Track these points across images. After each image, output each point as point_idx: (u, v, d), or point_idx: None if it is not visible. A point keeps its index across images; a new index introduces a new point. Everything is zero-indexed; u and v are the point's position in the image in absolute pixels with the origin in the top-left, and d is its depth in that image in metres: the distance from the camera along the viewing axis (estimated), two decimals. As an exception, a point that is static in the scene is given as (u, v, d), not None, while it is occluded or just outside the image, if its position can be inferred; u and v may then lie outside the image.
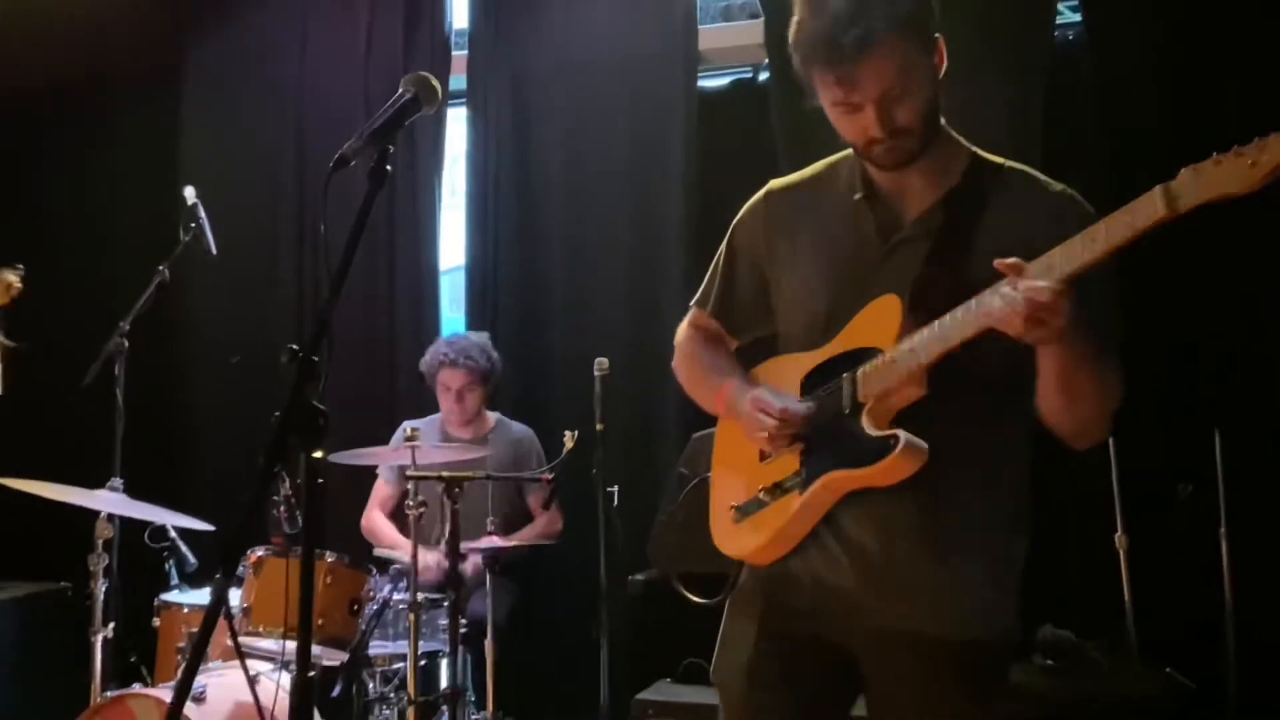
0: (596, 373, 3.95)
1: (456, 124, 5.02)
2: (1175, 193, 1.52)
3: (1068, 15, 4.14)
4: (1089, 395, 1.73)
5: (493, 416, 4.33)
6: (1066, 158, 1.91)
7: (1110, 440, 3.27)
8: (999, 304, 1.63)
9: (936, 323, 1.71)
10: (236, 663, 3.41)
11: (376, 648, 3.71)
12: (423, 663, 3.73)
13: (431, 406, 4.39)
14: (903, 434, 1.76)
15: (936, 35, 1.82)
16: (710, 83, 4.64)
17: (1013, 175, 1.88)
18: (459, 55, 4.99)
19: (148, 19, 5.28)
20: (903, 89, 1.75)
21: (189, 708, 3.28)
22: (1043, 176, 1.88)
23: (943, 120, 1.87)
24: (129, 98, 5.39)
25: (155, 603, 3.94)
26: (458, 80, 4.82)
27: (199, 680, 3.42)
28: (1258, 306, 3.57)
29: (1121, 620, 3.45)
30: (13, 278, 2.21)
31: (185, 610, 3.83)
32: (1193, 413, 3.58)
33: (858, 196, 1.90)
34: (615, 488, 3.96)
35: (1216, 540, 3.35)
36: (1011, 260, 1.61)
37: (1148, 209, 1.55)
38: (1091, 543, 3.65)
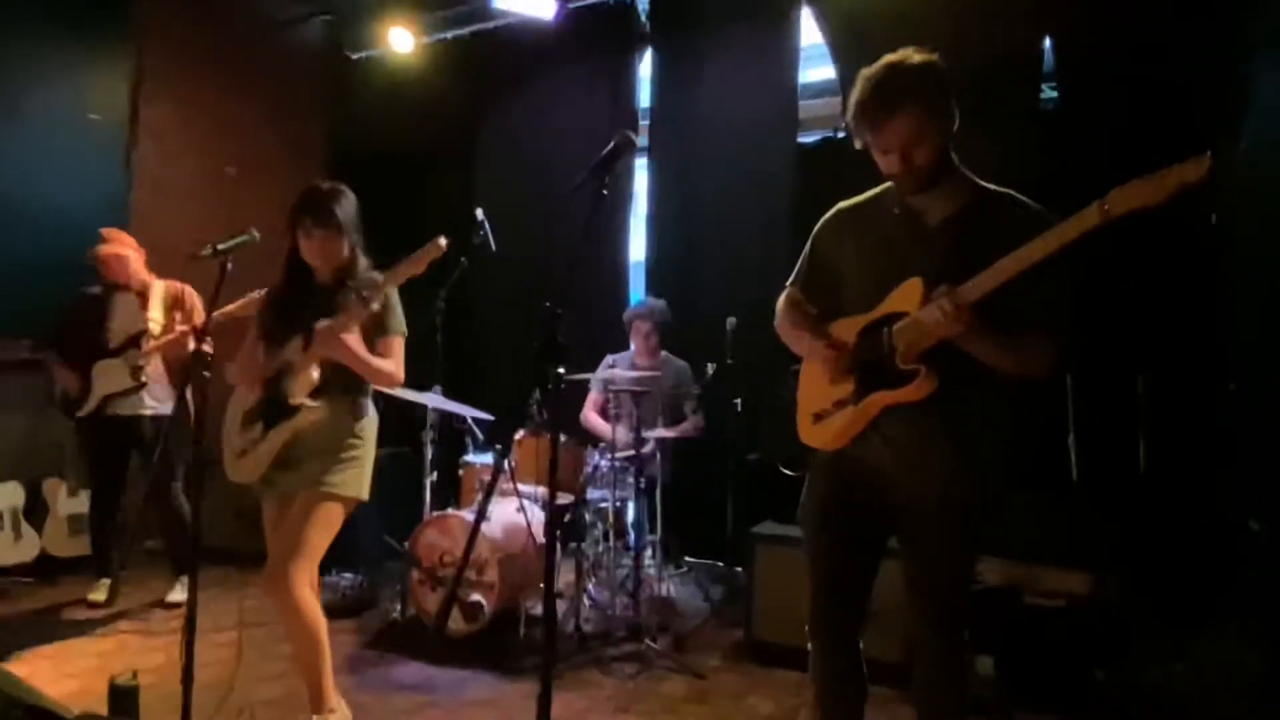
0: (728, 327, 4.00)
1: (640, 171, 5.03)
2: (1108, 205, 1.53)
3: (1048, 93, 3.97)
4: (1004, 362, 1.76)
5: (664, 353, 4.34)
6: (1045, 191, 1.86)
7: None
8: (933, 315, 1.71)
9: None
10: (510, 499, 3.64)
11: (591, 493, 3.78)
12: (617, 504, 3.81)
13: (624, 345, 4.42)
14: (924, 367, 1.78)
15: (950, 103, 1.79)
16: (806, 139, 4.55)
17: (1004, 198, 1.84)
18: (643, 124, 4.99)
19: (455, 103, 5.43)
20: (917, 141, 1.75)
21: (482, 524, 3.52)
22: (1025, 199, 1.83)
23: (955, 159, 1.85)
24: (442, 152, 5.49)
25: (459, 461, 4.11)
26: (642, 139, 4.82)
27: (490, 508, 3.66)
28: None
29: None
30: (442, 242, 2.26)
31: (477, 466, 3.98)
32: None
33: (895, 211, 1.90)
34: (739, 401, 4.02)
35: None
36: (944, 287, 1.71)
37: (1088, 217, 1.57)
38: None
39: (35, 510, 4.12)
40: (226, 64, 5.14)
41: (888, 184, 1.93)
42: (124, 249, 3.85)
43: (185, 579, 3.79)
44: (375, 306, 2.29)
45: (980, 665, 2.89)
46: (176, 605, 3.76)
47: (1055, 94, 3.96)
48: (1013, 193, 1.85)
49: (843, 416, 1.92)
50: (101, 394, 3.76)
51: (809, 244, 2.09)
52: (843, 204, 2.04)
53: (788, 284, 2.14)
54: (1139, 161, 1.59)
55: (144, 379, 3.78)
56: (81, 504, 4.21)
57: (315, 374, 2.36)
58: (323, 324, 2.31)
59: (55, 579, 4.05)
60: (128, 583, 3.91)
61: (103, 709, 2.42)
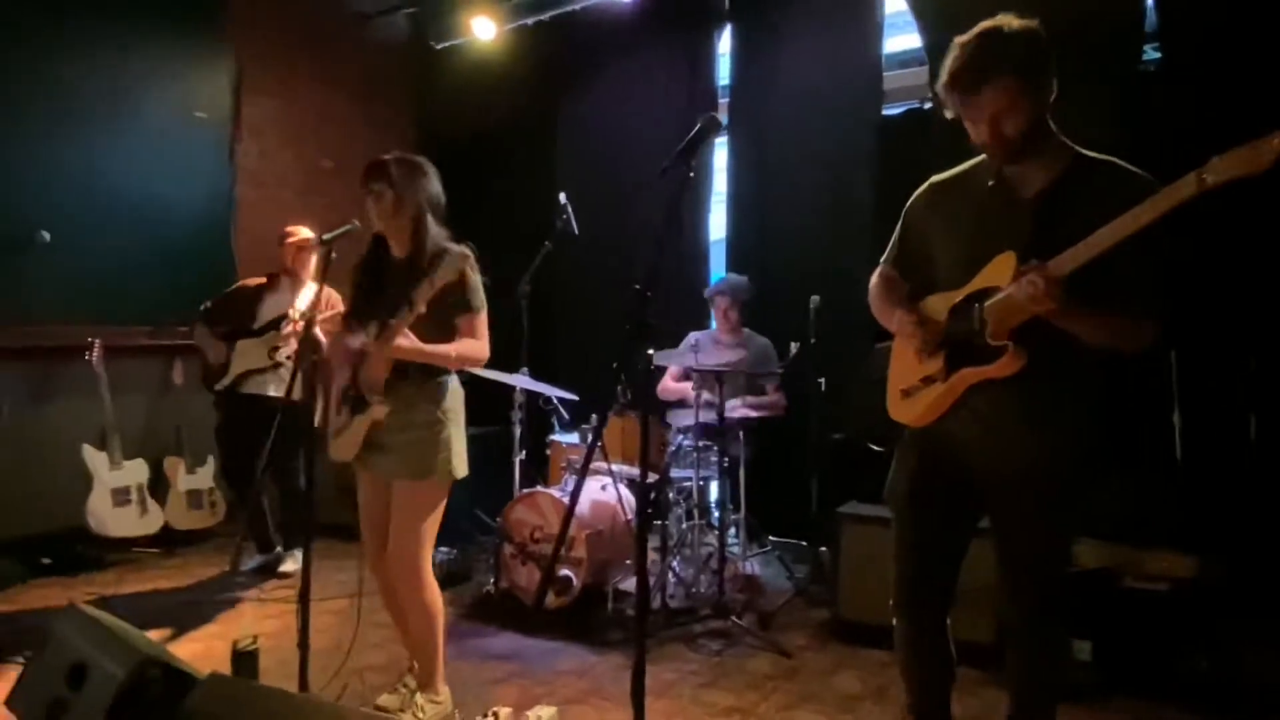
0: (811, 305, 3.94)
1: (720, 148, 4.96)
2: (1206, 175, 1.47)
3: (1150, 54, 3.75)
4: (1098, 338, 1.71)
5: (746, 330, 4.29)
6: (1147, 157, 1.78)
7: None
8: (1024, 290, 1.65)
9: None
10: (596, 477, 3.71)
11: (674, 472, 3.81)
12: (700, 482, 3.85)
13: (705, 324, 4.42)
14: (1012, 343, 1.75)
15: (1048, 71, 1.71)
16: (890, 111, 4.42)
17: (1105, 166, 1.76)
18: (722, 102, 4.94)
19: (535, 87, 5.48)
20: (1009, 111, 1.69)
21: (567, 500, 3.58)
22: (1128, 166, 1.75)
23: (1053, 127, 1.78)
24: (524, 137, 5.54)
25: (546, 440, 4.22)
26: (721, 117, 4.78)
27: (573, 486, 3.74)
28: None
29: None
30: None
31: (564, 445, 4.06)
32: None
33: (989, 184, 1.84)
34: (822, 379, 3.98)
35: None
36: (1034, 262, 1.65)
37: (1183, 188, 1.51)
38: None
39: (157, 486, 4.41)
40: (318, 59, 5.34)
41: (982, 156, 1.87)
42: (309, 244, 4.00)
43: (296, 551, 4.06)
44: (420, 309, 2.26)
45: (1077, 650, 2.82)
46: (288, 575, 3.99)
47: (1158, 55, 3.75)
48: (1116, 160, 1.76)
49: (931, 392, 1.90)
50: (239, 370, 3.95)
51: (901, 220, 2.05)
52: (935, 178, 2.00)
53: (881, 260, 2.10)
54: (1246, 125, 1.51)
55: (279, 360, 3.94)
56: (199, 480, 4.51)
57: (383, 369, 2.36)
58: (372, 344, 2.30)
59: (176, 550, 4.35)
60: (247, 553, 4.16)
61: (225, 671, 2.59)
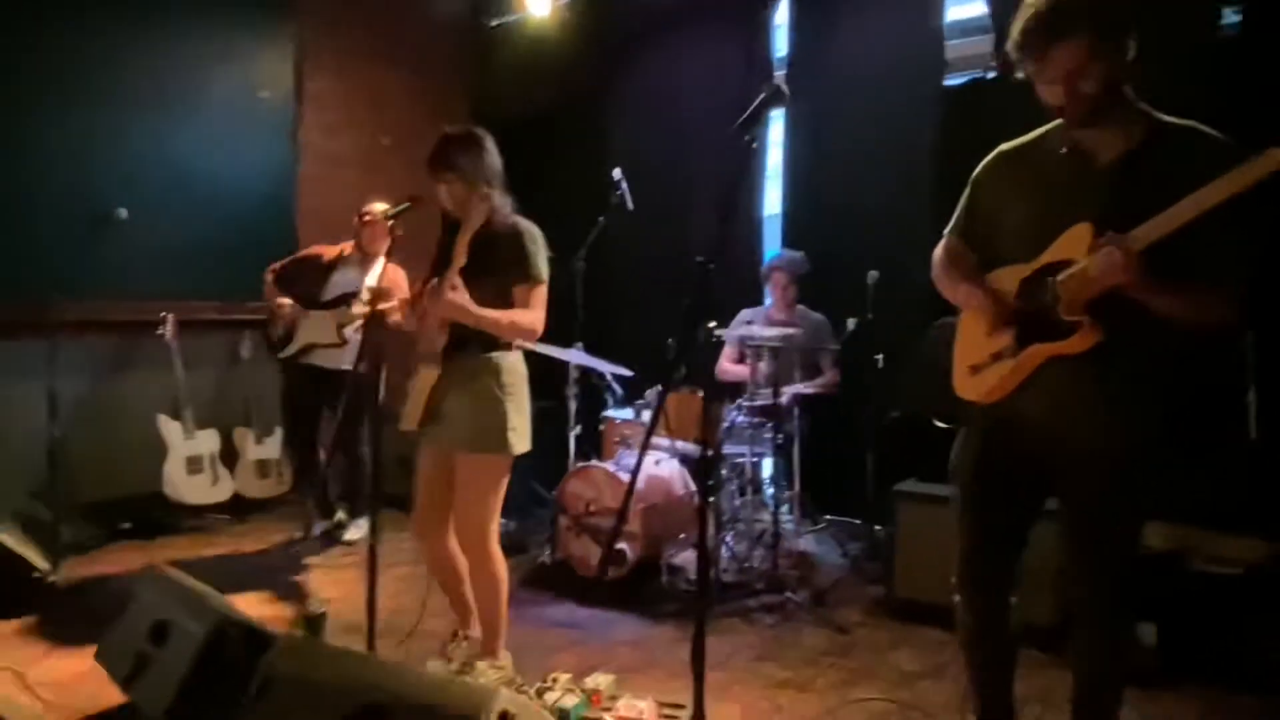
0: (869, 281, 3.89)
1: (775, 120, 4.83)
2: None
3: (1229, 17, 3.56)
4: (1177, 313, 1.64)
5: (801, 307, 4.27)
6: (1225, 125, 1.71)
7: None
8: (1100, 263, 1.60)
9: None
10: (650, 451, 3.70)
11: (727, 448, 3.79)
12: (754, 460, 3.87)
13: (758, 300, 4.38)
14: (1087, 318, 1.69)
15: (1126, 29, 1.64)
16: (952, 81, 4.29)
17: (1187, 131, 1.68)
18: (778, 73, 4.83)
19: (588, 62, 5.45)
20: (1084, 71, 1.62)
21: (621, 474, 3.58)
22: (1211, 131, 1.66)
23: (1130, 92, 1.71)
24: (579, 111, 5.52)
25: (600, 416, 4.24)
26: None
27: (627, 460, 3.75)
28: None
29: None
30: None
31: (618, 421, 4.09)
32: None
33: (1062, 151, 1.78)
34: (879, 355, 3.93)
35: None
36: (1110, 234, 1.60)
37: (1268, 162, 1.44)
38: None
39: (228, 455, 4.56)
40: (377, 38, 5.39)
41: (1054, 123, 1.82)
42: (377, 220, 4.03)
43: (359, 520, 4.17)
44: (460, 261, 2.29)
45: (1141, 633, 2.75)
46: (352, 543, 4.10)
47: (1237, 18, 3.57)
48: (1197, 125, 1.69)
49: (1001, 369, 1.85)
50: (305, 341, 4.03)
51: (968, 190, 2.00)
52: (1004, 146, 1.94)
53: (945, 232, 2.05)
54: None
55: (346, 338, 3.98)
56: (267, 450, 4.65)
57: (438, 335, 2.40)
58: (431, 285, 2.34)
59: (246, 517, 4.50)
60: (314, 519, 4.27)
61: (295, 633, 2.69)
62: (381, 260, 4.02)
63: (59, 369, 3.29)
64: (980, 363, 1.91)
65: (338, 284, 4.08)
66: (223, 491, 4.47)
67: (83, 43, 4.10)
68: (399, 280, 3.98)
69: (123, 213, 3.40)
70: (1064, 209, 1.74)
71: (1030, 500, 1.92)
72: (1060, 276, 1.73)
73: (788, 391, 3.91)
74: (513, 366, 2.53)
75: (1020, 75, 1.73)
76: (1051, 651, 2.59)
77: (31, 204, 3.91)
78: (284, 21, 4.94)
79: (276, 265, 4.14)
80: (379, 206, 4.05)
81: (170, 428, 4.33)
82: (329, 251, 4.17)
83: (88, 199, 3.81)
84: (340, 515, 4.25)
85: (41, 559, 3.22)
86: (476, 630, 2.66)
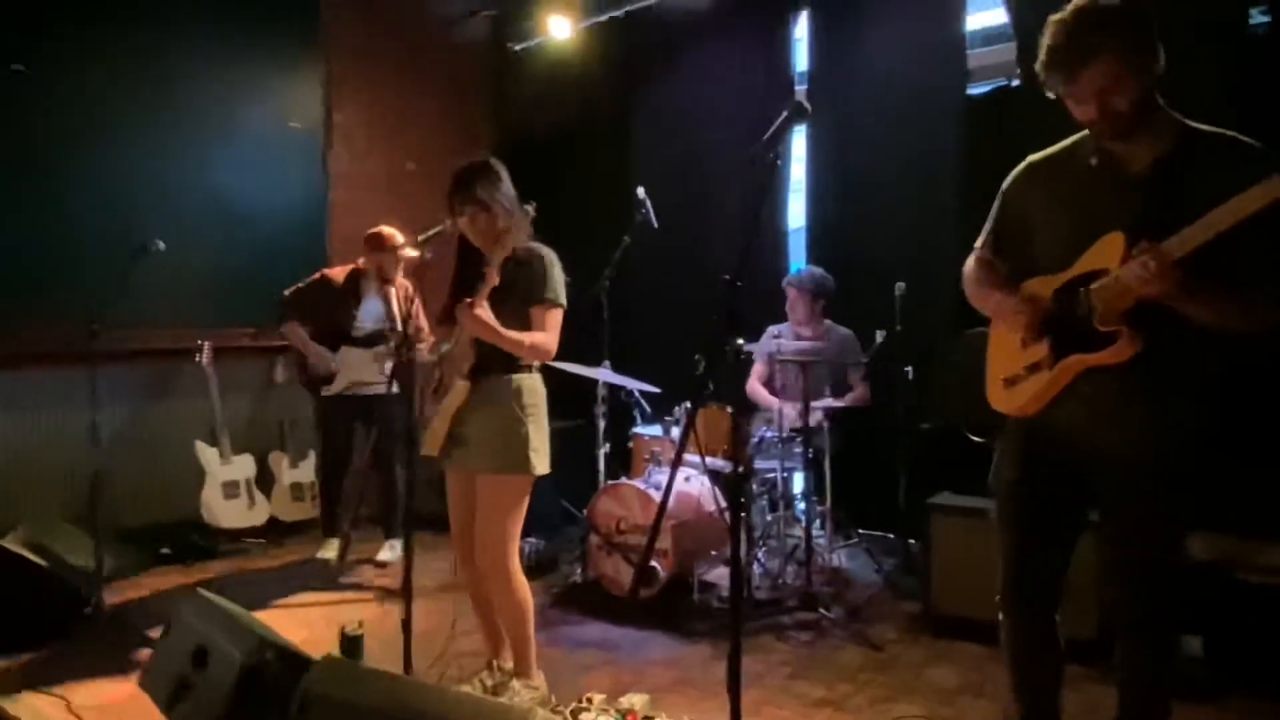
0: (896, 293, 3.86)
1: (798, 134, 4.82)
2: None
3: (1257, 17, 3.52)
4: (1216, 320, 1.61)
5: (827, 322, 4.21)
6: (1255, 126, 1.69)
7: None
8: (1135, 272, 1.58)
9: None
10: (679, 468, 3.69)
11: (758, 464, 3.79)
12: (785, 475, 3.86)
13: (785, 315, 4.32)
14: (1125, 328, 1.67)
15: (1154, 43, 1.63)
16: (975, 90, 4.26)
17: (1219, 139, 1.66)
18: (799, 88, 4.82)
19: (610, 83, 5.48)
20: (1116, 87, 1.61)
21: (651, 491, 3.60)
22: (1245, 139, 1.64)
23: (1160, 100, 1.69)
24: (602, 132, 5.53)
25: (629, 433, 4.24)
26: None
27: (656, 477, 3.74)
28: None
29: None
30: (529, 209, 2.33)
31: (646, 438, 4.09)
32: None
33: (1093, 162, 1.76)
34: (909, 368, 3.89)
35: None
36: (1144, 243, 1.57)
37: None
38: None
39: (263, 480, 4.62)
40: (403, 66, 5.48)
41: (1083, 133, 1.80)
42: (389, 245, 4.10)
43: (393, 541, 4.20)
44: (493, 281, 2.32)
45: (1187, 645, 2.68)
46: (385, 565, 4.13)
47: (1265, 19, 3.52)
48: (1230, 132, 1.67)
49: (1037, 381, 1.83)
50: (349, 380, 4.10)
51: (998, 201, 1.98)
52: (1033, 157, 1.92)
53: (976, 244, 2.04)
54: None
55: (388, 372, 4.05)
56: (301, 474, 4.71)
57: (468, 354, 2.43)
58: (463, 303, 2.37)
59: (282, 540, 4.55)
60: (353, 543, 4.30)
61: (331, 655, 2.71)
62: (398, 285, 4.14)
63: (100, 397, 3.36)
64: (1015, 375, 1.89)
65: (368, 315, 4.15)
66: (259, 515, 4.52)
67: (122, 82, 4.23)
68: (417, 302, 4.06)
69: (160, 244, 3.48)
70: (1096, 219, 1.72)
71: (1072, 513, 1.89)
72: (1094, 286, 1.71)
73: (818, 407, 3.87)
74: (533, 387, 2.54)
75: (1051, 94, 1.72)
76: (1095, 665, 2.53)
77: (73, 237, 4.02)
78: (313, 54, 5.05)
79: (289, 293, 4.19)
80: (387, 231, 4.12)
81: (207, 453, 4.40)
82: (337, 274, 4.23)
83: (127, 231, 3.90)
84: (334, 541, 4.25)
85: (85, 584, 3.27)
86: (508, 661, 2.66)
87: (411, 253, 4.00)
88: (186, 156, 4.45)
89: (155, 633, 2.43)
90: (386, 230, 4.14)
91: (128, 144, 4.24)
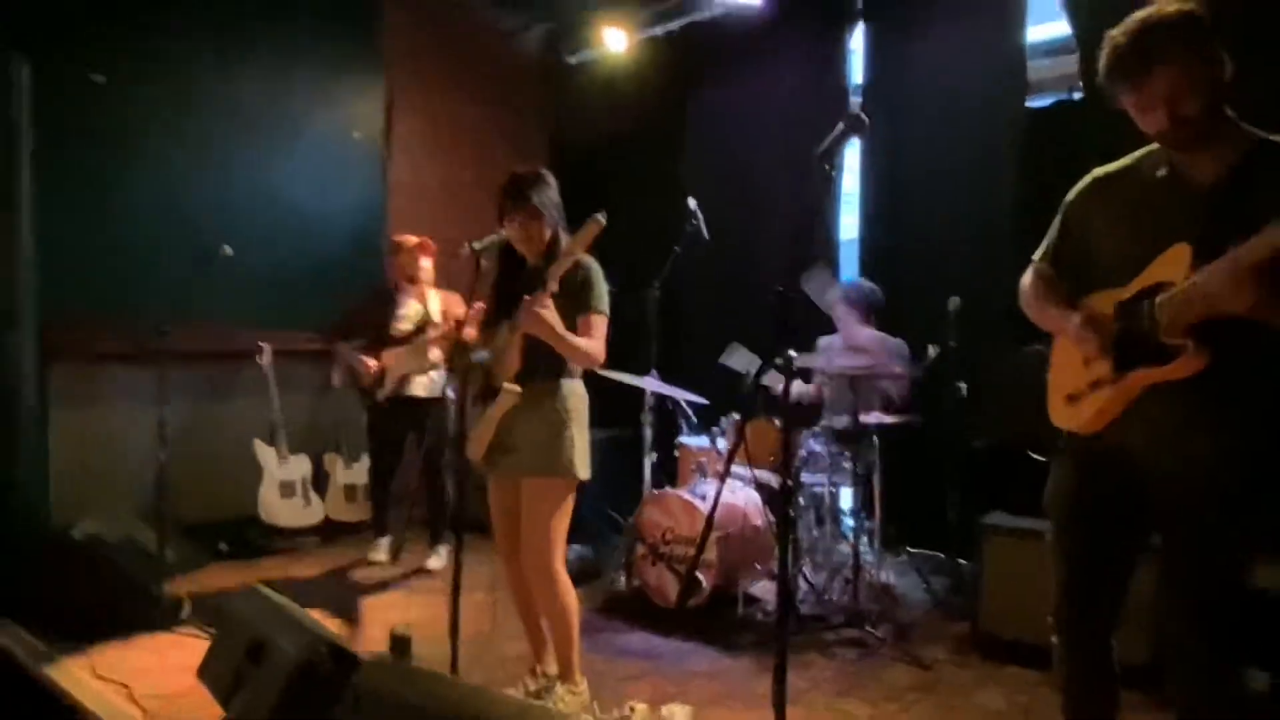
0: (951, 307, 3.79)
1: (850, 147, 4.83)
2: None
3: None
4: None
5: (877, 334, 4.07)
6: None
7: None
8: (1210, 282, 1.53)
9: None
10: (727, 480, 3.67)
11: (805, 477, 3.72)
12: (833, 489, 3.79)
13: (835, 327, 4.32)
14: (1191, 342, 1.62)
15: (1217, 49, 1.59)
16: (1036, 103, 4.18)
17: None
18: (854, 100, 4.79)
19: (663, 95, 5.52)
20: (1184, 92, 1.58)
21: (697, 502, 3.59)
22: None
23: (1230, 112, 1.64)
24: (653, 144, 5.54)
25: (675, 442, 4.21)
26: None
27: (702, 488, 3.73)
28: None
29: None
30: (601, 219, 2.29)
31: (692, 448, 4.06)
32: None
33: (1161, 174, 1.71)
34: (962, 384, 3.82)
35: None
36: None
37: None
38: None
39: (318, 480, 4.73)
40: (461, 77, 5.60)
41: (1150, 147, 1.76)
42: (429, 255, 4.29)
43: (440, 546, 4.25)
44: (554, 286, 2.32)
45: (1252, 679, 2.57)
46: (433, 572, 4.17)
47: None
48: None
49: (1100, 397, 1.77)
50: (397, 376, 4.19)
51: (1060, 214, 1.94)
52: (1098, 170, 1.88)
53: (1034, 258, 2.00)
54: None
55: (435, 362, 4.18)
56: (355, 475, 4.80)
57: (517, 358, 2.43)
58: (513, 323, 2.39)
59: (336, 540, 4.64)
60: (406, 546, 4.39)
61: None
62: (432, 291, 4.27)
63: (167, 395, 3.47)
64: (1078, 391, 1.83)
65: (406, 317, 4.26)
66: (314, 515, 4.62)
67: (194, 94, 4.41)
68: (456, 304, 4.18)
69: (228, 250, 3.59)
70: (1162, 231, 1.67)
71: (1132, 535, 1.83)
72: (1159, 299, 1.65)
73: (867, 421, 3.81)
74: (577, 392, 2.57)
75: (1118, 105, 1.69)
76: (1147, 692, 2.43)
77: (146, 242, 4.19)
78: (376, 68, 5.19)
79: (341, 330, 4.37)
80: (413, 240, 4.27)
81: (266, 453, 4.51)
82: (384, 293, 4.38)
83: (197, 237, 4.05)
84: (384, 542, 4.35)
85: (149, 577, 3.37)
86: (552, 666, 2.67)
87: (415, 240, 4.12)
88: (252, 166, 4.61)
89: (214, 626, 2.49)
90: (400, 236, 4.33)
91: (198, 153, 4.41)
